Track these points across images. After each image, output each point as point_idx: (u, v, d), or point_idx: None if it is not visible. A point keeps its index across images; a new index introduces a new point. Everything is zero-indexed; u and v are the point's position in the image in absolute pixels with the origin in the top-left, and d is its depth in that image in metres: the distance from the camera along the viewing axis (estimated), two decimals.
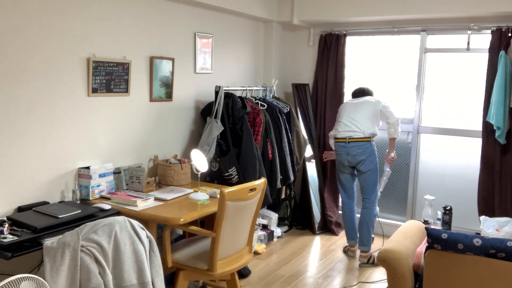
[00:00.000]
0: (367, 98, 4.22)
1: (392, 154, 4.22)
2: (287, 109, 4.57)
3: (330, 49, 4.88)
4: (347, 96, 4.82)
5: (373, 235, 4.25)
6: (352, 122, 4.11)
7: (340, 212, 4.95)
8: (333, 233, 4.85)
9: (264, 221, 4.53)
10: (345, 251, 4.34)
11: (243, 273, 3.75)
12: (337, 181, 4.40)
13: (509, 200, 4.12)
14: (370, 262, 4.10)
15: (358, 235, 4.22)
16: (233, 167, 3.91)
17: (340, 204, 4.84)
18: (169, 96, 3.88)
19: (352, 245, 4.27)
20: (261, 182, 2.96)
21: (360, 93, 4.34)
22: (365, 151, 4.06)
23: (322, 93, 4.96)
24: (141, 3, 3.54)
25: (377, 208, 4.24)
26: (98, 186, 3.19)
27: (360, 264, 4.09)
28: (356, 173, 4.23)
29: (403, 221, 4.81)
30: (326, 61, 4.92)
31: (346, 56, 4.85)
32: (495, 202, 4.17)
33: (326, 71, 4.92)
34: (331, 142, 4.35)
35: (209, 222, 3.46)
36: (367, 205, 4.17)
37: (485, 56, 4.18)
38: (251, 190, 2.86)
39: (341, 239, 4.71)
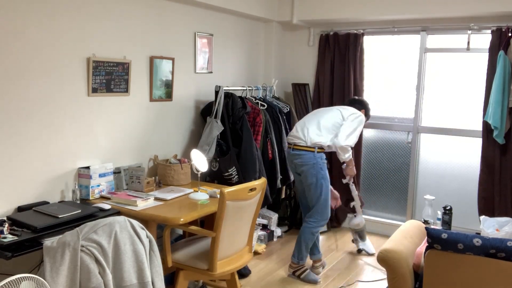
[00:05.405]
0: (340, 107, 3.86)
1: (347, 170, 3.98)
2: (287, 109, 4.57)
3: (332, 49, 4.87)
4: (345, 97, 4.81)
5: (307, 254, 3.79)
6: (303, 128, 3.74)
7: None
8: (333, 232, 4.85)
9: (264, 221, 4.53)
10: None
11: (243, 273, 3.75)
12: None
13: (509, 200, 4.12)
14: (296, 275, 3.77)
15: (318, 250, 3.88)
16: (233, 167, 3.91)
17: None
18: (169, 96, 3.88)
19: (315, 261, 3.89)
20: (261, 182, 2.96)
21: (348, 101, 4.10)
22: (306, 162, 3.64)
23: (325, 92, 4.93)
24: (141, 3, 3.54)
25: (320, 229, 3.76)
26: (98, 186, 3.19)
27: (288, 274, 3.82)
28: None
29: (403, 221, 4.81)
30: (328, 61, 4.89)
31: (347, 55, 4.83)
32: (495, 202, 4.17)
33: (329, 70, 4.89)
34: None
35: (209, 222, 3.46)
36: (307, 219, 3.75)
37: (485, 56, 4.18)
38: (251, 190, 2.86)
39: (340, 239, 4.71)
